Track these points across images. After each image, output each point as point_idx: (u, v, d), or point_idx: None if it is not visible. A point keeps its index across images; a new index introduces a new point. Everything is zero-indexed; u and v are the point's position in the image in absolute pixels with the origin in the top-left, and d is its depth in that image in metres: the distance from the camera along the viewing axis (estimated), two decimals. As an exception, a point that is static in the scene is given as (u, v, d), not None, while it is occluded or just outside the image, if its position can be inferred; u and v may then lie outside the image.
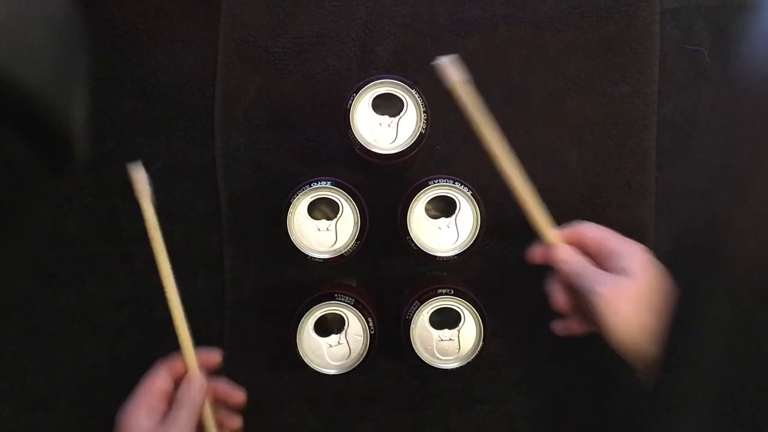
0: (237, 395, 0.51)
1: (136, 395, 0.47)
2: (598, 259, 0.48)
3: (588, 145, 0.56)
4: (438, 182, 0.48)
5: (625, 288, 0.44)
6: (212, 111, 0.55)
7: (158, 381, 0.47)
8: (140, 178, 0.48)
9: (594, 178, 0.56)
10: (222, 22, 0.55)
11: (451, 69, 0.46)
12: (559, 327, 0.52)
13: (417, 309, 0.48)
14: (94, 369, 0.57)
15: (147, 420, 0.45)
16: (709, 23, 0.56)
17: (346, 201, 0.48)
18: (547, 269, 0.55)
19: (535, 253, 0.50)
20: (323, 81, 0.56)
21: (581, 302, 0.47)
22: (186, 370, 0.49)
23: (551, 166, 0.56)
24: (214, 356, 0.51)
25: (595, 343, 0.56)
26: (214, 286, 0.56)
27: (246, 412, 0.56)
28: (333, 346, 0.49)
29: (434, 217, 0.49)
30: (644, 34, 0.55)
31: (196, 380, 0.48)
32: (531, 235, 0.56)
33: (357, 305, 0.48)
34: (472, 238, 0.48)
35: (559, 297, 0.49)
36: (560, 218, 0.56)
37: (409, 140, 0.47)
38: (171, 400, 0.48)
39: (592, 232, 0.49)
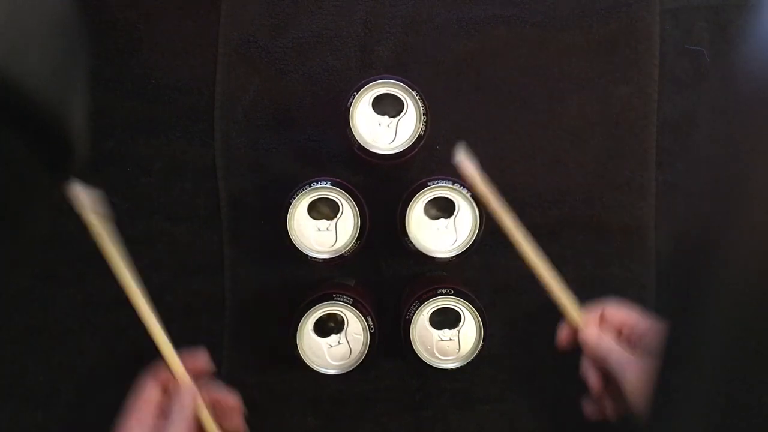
0: (230, 399, 0.48)
1: (126, 413, 0.45)
2: (626, 338, 0.48)
3: (588, 145, 0.56)
4: (437, 183, 0.48)
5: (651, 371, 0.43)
6: (212, 111, 0.55)
7: (146, 394, 0.45)
8: (79, 194, 0.43)
9: (594, 178, 0.56)
10: (222, 22, 0.55)
11: (468, 164, 0.46)
12: (590, 409, 0.51)
13: (417, 309, 0.48)
14: (94, 369, 0.57)
15: None
16: (709, 23, 0.56)
17: (346, 201, 0.48)
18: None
19: (564, 336, 0.50)
20: (323, 81, 0.56)
21: (611, 382, 0.47)
22: (174, 378, 0.46)
23: (551, 166, 0.56)
24: (201, 359, 0.48)
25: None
26: (214, 286, 0.56)
27: (246, 411, 0.56)
28: (333, 346, 0.49)
29: (433, 218, 0.49)
30: (644, 34, 0.55)
31: (186, 390, 0.45)
32: (531, 235, 0.56)
33: (356, 305, 0.48)
34: (470, 240, 0.48)
35: (594, 378, 0.49)
36: (560, 218, 0.56)
37: (408, 141, 0.47)
38: (163, 411, 0.45)
39: (618, 313, 0.48)
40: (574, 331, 0.49)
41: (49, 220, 0.55)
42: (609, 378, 0.47)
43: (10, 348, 0.56)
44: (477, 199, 0.47)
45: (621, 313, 0.48)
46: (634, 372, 0.44)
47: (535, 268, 0.48)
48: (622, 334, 0.48)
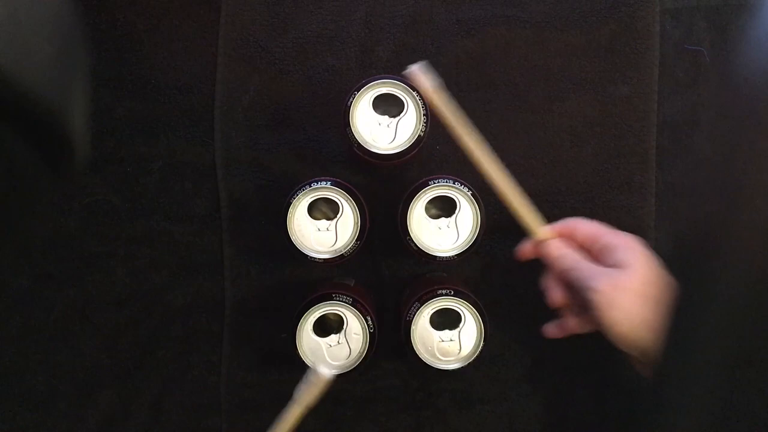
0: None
1: None
2: (593, 253, 0.47)
3: (588, 145, 0.56)
4: (438, 182, 0.48)
5: (622, 281, 0.43)
6: (212, 111, 0.55)
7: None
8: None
9: (594, 178, 0.56)
10: (222, 22, 0.55)
11: (422, 76, 0.44)
12: (552, 330, 0.51)
13: (417, 310, 0.48)
14: (94, 369, 0.57)
15: None
16: (709, 23, 0.56)
17: (346, 201, 0.48)
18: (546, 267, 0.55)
19: (525, 249, 0.50)
20: (323, 81, 0.56)
21: (578, 297, 0.47)
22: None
23: (551, 166, 0.56)
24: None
25: (594, 343, 0.56)
26: (214, 286, 0.56)
27: (245, 412, 0.56)
28: (333, 346, 0.49)
29: (434, 217, 0.49)
30: (644, 34, 0.55)
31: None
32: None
33: (355, 304, 0.48)
34: (472, 238, 0.48)
35: (555, 293, 0.49)
36: (560, 218, 0.56)
37: (408, 141, 0.47)
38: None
39: (585, 226, 0.48)
40: (537, 245, 0.48)
41: (49, 220, 0.55)
42: (574, 293, 0.47)
43: (10, 348, 0.56)
44: (427, 106, 0.45)
45: (588, 227, 0.48)
46: (603, 283, 0.43)
47: (494, 182, 0.45)
48: (586, 248, 0.48)
